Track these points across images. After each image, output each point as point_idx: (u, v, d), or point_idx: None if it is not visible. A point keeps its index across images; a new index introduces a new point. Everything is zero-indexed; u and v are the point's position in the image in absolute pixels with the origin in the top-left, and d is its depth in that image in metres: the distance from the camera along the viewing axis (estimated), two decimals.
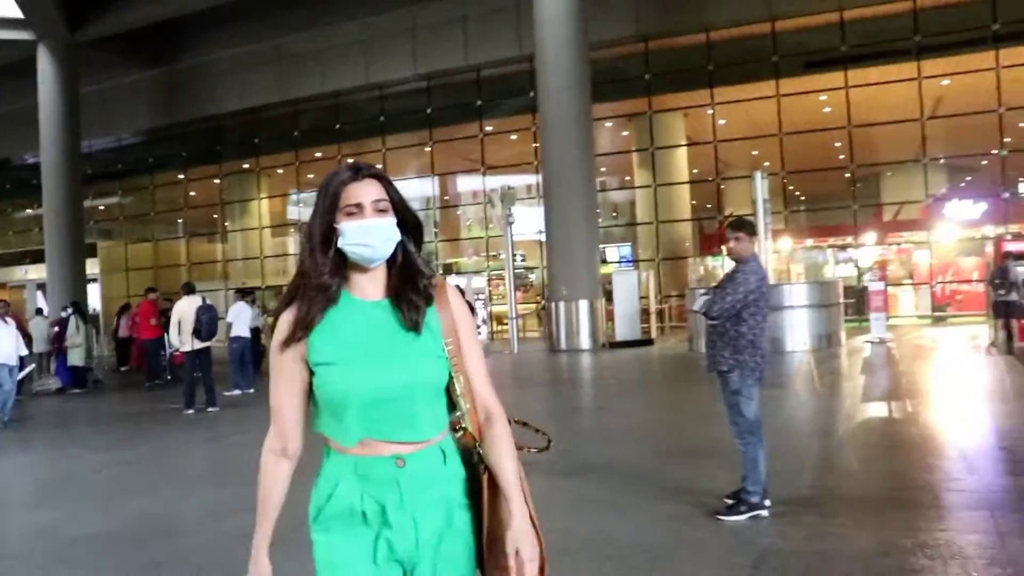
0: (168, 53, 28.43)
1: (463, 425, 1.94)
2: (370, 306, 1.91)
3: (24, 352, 12.59)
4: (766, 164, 22.89)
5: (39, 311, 18.40)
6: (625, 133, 25.64)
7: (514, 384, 13.78)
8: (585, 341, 18.96)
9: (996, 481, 5.99)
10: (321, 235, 1.88)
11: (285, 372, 1.91)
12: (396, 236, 1.90)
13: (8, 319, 12.28)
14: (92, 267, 29.01)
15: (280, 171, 29.77)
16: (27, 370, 13.20)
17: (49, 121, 26.12)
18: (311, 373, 1.89)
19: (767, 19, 21.86)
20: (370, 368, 1.84)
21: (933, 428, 7.96)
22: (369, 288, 1.93)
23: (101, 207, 33.35)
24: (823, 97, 22.80)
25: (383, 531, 1.84)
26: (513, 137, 25.77)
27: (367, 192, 1.88)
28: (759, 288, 5.09)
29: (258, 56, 27.35)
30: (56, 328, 16.54)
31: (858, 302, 20.45)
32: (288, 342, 1.88)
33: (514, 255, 21.65)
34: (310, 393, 1.92)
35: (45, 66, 26.13)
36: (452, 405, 1.95)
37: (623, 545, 4.76)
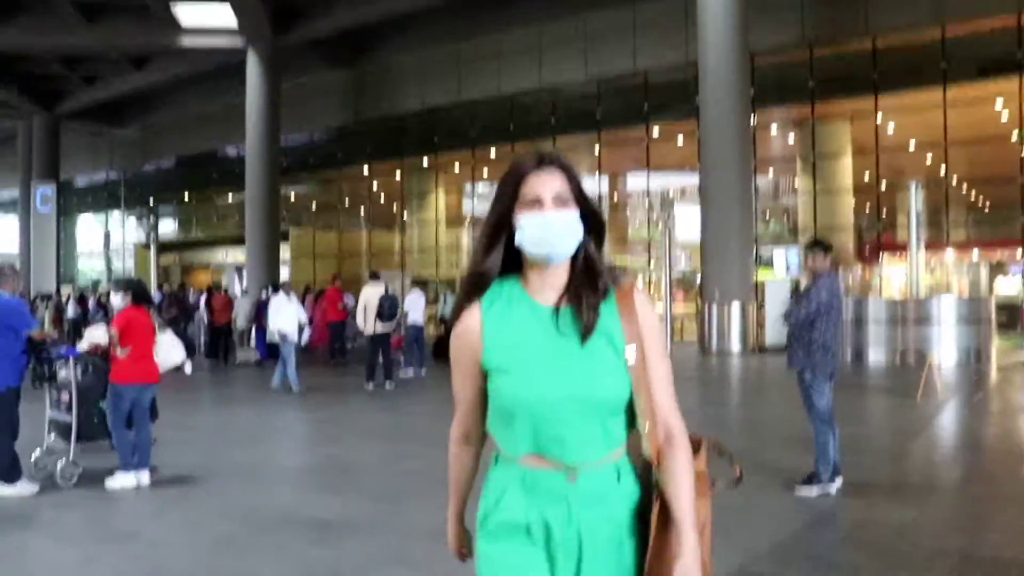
0: (357, 57, 30.80)
1: (642, 447, 1.83)
2: (547, 311, 1.80)
3: (304, 317, 14.11)
4: (944, 170, 22.77)
5: (245, 292, 20.85)
6: (792, 136, 25.94)
7: None
8: (735, 344, 19.60)
9: None
10: (492, 226, 1.81)
11: (461, 365, 1.86)
12: (578, 232, 1.78)
13: (291, 294, 14.05)
14: (283, 252, 31.81)
15: (456, 168, 31.71)
16: (306, 333, 14.48)
17: (254, 118, 28.89)
18: (485, 375, 1.82)
19: (937, 23, 21.71)
20: (543, 379, 1.74)
21: None
22: (547, 291, 1.81)
23: (292, 197, 36.31)
24: (998, 105, 22.40)
25: (548, 547, 1.76)
26: (680, 140, 26.53)
27: (549, 184, 1.77)
28: (830, 301, 6.09)
29: (438, 60, 29.27)
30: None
31: (1012, 318, 20.18)
32: (458, 336, 1.85)
33: (674, 257, 22.59)
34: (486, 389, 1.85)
35: (253, 68, 28.89)
36: (631, 422, 1.83)
37: None
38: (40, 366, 6.89)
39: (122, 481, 6.60)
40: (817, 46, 23.43)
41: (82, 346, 6.98)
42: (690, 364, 17.82)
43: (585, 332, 1.75)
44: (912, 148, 24.23)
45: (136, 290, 6.91)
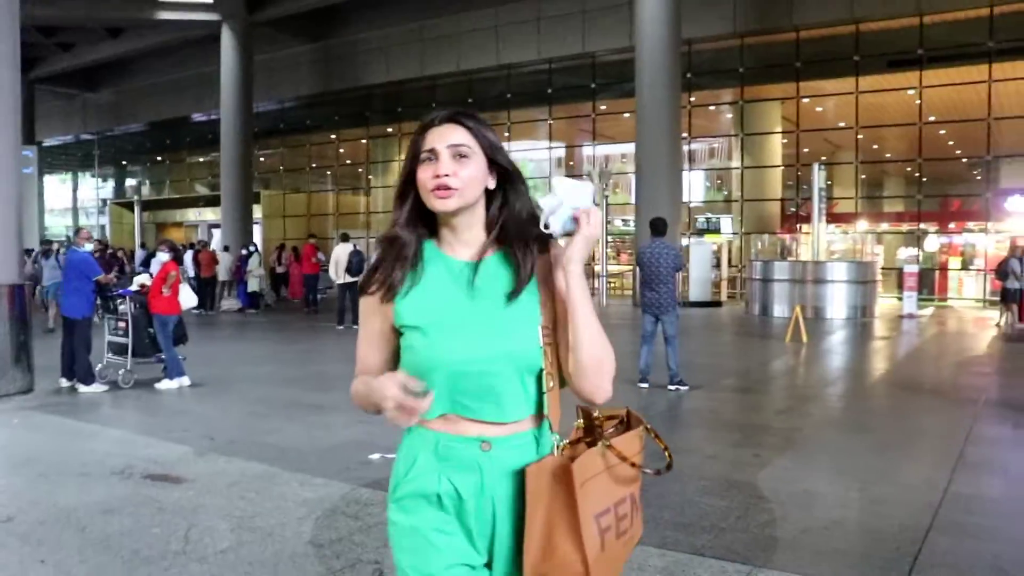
0: (326, 31, 32.83)
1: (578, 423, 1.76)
2: (461, 266, 1.74)
3: None
4: (882, 148, 25.36)
5: (226, 248, 23.14)
6: (729, 116, 28.53)
7: None
8: None
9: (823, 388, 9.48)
10: (400, 185, 1.77)
11: (371, 329, 1.80)
12: (475, 185, 1.70)
13: None
14: (255, 212, 33.93)
15: None
16: None
17: (228, 86, 30.83)
18: (398, 335, 1.75)
19: (851, 21, 24.34)
20: (459, 336, 1.68)
21: (847, 362, 11.35)
22: (459, 246, 1.76)
23: (262, 159, 38.34)
24: (910, 92, 24.98)
25: (461, 518, 1.70)
26: (626, 116, 28.98)
27: (445, 136, 1.70)
28: (639, 260, 9.10)
29: (402, 37, 31.47)
30: (239, 262, 21.22)
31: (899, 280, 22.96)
32: (371, 299, 1.77)
33: (608, 221, 25.19)
34: (397, 353, 1.77)
35: (227, 41, 30.81)
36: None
37: None
38: (105, 302, 9.36)
39: (168, 384, 9.11)
40: (747, 37, 26.04)
41: (133, 287, 9.44)
42: (615, 314, 20.48)
43: (518, 287, 1.70)
44: (825, 130, 26.98)
45: (175, 250, 9.40)
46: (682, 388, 8.87)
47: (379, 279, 1.75)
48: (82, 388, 8.90)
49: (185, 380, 9.20)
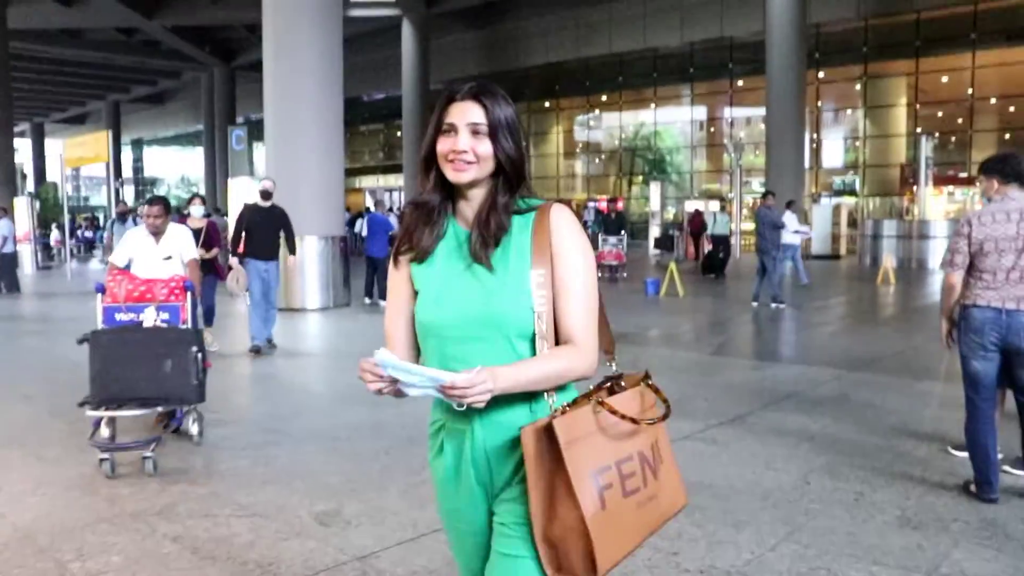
0: (492, 20, 37.38)
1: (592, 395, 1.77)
2: (467, 235, 1.83)
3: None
4: (999, 118, 28.13)
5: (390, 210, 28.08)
6: (857, 89, 31.42)
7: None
8: None
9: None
10: (424, 154, 1.84)
11: (397, 292, 1.91)
12: (489, 161, 1.78)
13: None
14: None
15: (574, 111, 38.48)
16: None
17: (408, 69, 35.78)
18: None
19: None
20: (446, 301, 1.79)
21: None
22: (471, 216, 1.84)
23: None
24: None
25: (459, 465, 1.83)
26: (760, 91, 32.42)
27: (465, 113, 1.77)
28: (759, 221, 13.02)
29: (559, 23, 35.78)
30: None
31: None
32: (395, 260, 1.90)
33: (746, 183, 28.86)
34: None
35: (407, 32, 35.70)
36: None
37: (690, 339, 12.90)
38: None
39: None
40: (870, 19, 29.01)
41: None
42: (743, 263, 24.26)
43: (478, 262, 1.77)
44: (946, 103, 29.69)
45: None
46: (780, 306, 12.94)
47: (409, 244, 1.86)
48: (383, 303, 13.78)
49: None
